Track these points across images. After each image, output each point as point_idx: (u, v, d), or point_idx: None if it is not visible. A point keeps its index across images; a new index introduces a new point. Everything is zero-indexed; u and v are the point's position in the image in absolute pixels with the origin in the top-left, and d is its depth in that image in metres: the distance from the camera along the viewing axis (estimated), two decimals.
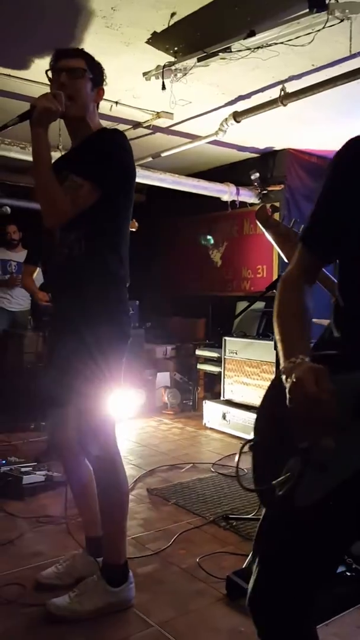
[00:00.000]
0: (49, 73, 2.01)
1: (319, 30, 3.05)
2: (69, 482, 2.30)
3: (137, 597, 2.10)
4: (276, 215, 2.39)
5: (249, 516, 2.89)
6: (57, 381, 2.11)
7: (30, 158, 4.91)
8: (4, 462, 3.47)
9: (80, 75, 1.97)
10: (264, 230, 2.10)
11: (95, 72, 2.02)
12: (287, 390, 1.07)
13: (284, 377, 1.11)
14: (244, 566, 2.31)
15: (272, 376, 4.36)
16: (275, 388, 1.16)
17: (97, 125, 2.07)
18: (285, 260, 1.90)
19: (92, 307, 1.98)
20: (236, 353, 4.90)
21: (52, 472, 3.34)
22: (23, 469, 3.29)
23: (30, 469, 3.34)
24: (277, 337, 1.21)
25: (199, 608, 2.09)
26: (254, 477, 1.18)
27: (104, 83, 2.07)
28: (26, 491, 3.13)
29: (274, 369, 4.26)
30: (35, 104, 1.87)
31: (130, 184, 2.04)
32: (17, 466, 3.35)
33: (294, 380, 1.05)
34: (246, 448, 1.17)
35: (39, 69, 3.79)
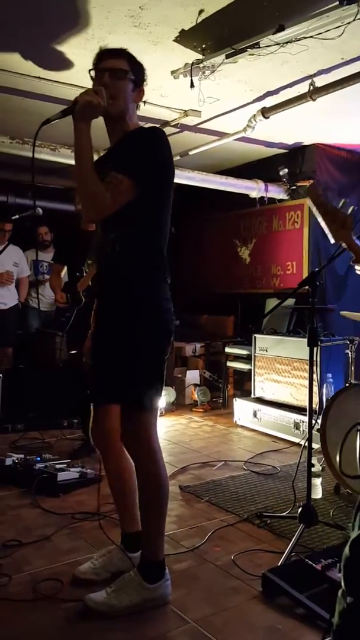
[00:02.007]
0: (92, 73, 2.03)
1: (349, 23, 3.02)
2: (107, 476, 2.31)
3: (173, 593, 2.10)
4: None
5: (283, 514, 2.87)
6: (100, 377, 2.14)
7: (61, 159, 4.98)
8: (38, 459, 3.52)
9: (122, 76, 1.99)
10: (312, 207, 2.10)
11: (136, 73, 2.03)
12: None
13: None
14: (279, 564, 2.30)
15: (304, 373, 4.35)
16: None
17: (136, 124, 2.08)
18: (332, 241, 1.86)
19: (136, 305, 2.00)
20: (266, 350, 4.87)
21: (85, 468, 3.38)
22: (57, 466, 3.33)
23: (65, 465, 3.38)
24: None
25: (236, 605, 2.09)
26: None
27: (145, 83, 2.09)
28: (61, 488, 3.17)
29: (306, 366, 4.23)
30: (78, 99, 1.89)
31: (169, 181, 2.05)
32: (51, 463, 3.40)
33: None
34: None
35: (69, 70, 3.84)
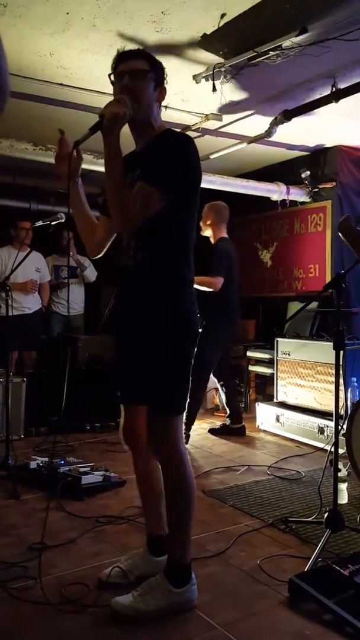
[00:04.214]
0: (111, 77, 2.02)
1: None
2: (136, 476, 2.32)
3: (199, 598, 2.09)
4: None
5: (309, 519, 2.84)
6: (128, 379, 2.16)
7: (84, 165, 5.00)
8: (62, 462, 3.54)
9: (143, 77, 1.96)
10: (344, 238, 2.11)
11: (157, 72, 2.01)
12: None
13: None
14: (306, 569, 2.28)
15: (328, 377, 4.29)
16: None
17: (162, 126, 2.07)
18: None
19: (163, 308, 2.00)
20: (289, 354, 4.84)
21: (109, 472, 3.39)
22: (81, 470, 3.34)
23: (89, 469, 3.39)
24: None
25: (262, 610, 2.07)
26: None
27: (165, 82, 2.06)
28: (85, 491, 3.18)
29: (330, 370, 4.18)
30: (103, 112, 1.88)
31: (197, 188, 2.04)
32: (75, 466, 3.41)
33: None
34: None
35: (91, 76, 3.87)
